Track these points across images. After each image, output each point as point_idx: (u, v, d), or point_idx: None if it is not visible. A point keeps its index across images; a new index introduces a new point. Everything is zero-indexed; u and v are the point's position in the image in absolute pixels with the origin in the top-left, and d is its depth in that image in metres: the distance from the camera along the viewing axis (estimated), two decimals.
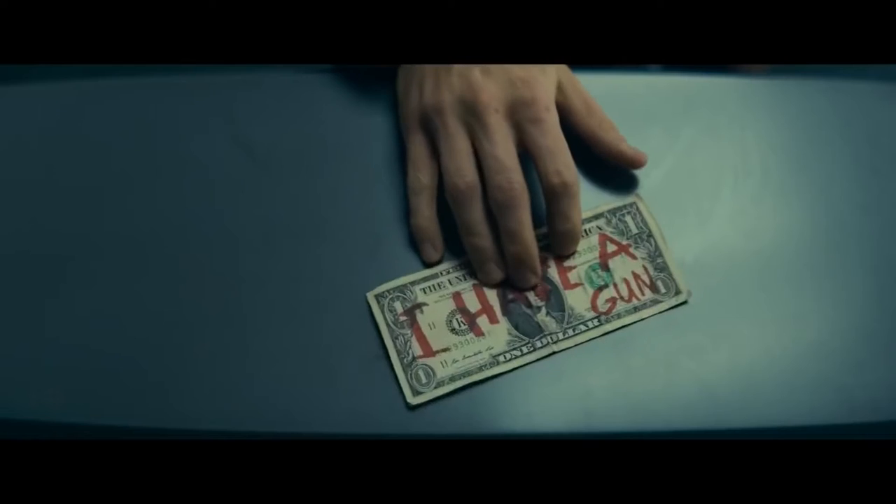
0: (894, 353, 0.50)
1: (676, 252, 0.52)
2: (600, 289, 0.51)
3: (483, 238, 0.50)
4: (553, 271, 0.51)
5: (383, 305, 0.50)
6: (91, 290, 0.50)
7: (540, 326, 0.50)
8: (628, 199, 0.53)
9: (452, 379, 0.48)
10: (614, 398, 0.48)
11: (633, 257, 0.51)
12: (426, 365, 0.49)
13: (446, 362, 0.49)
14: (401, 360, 0.49)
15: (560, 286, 0.51)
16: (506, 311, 0.50)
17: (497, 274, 0.50)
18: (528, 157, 0.50)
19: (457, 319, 0.50)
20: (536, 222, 0.51)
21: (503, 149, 0.49)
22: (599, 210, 0.53)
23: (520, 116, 0.50)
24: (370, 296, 0.50)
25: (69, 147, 0.54)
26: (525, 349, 0.49)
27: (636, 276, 0.51)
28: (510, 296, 0.51)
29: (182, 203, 0.52)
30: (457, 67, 0.50)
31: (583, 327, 0.50)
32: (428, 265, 0.51)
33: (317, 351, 0.49)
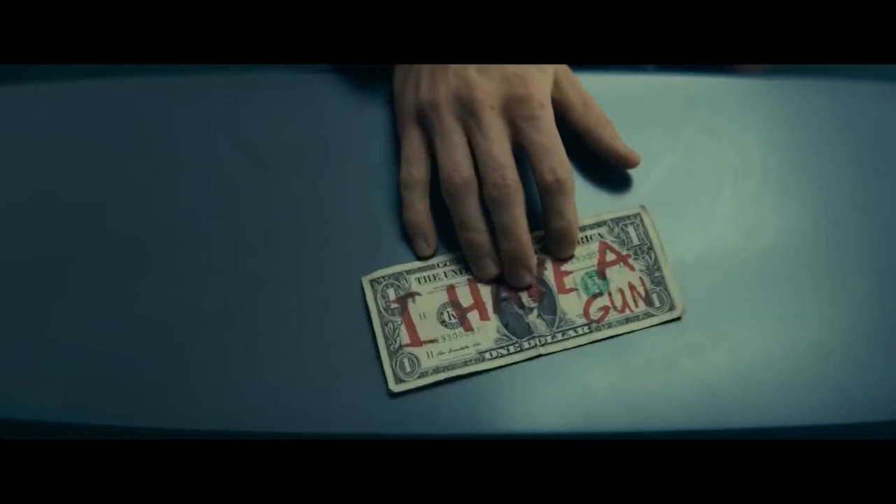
0: (894, 353, 0.50)
1: (676, 252, 0.52)
2: (595, 296, 0.51)
3: (478, 233, 0.50)
4: (549, 274, 0.51)
5: (377, 291, 0.50)
6: (91, 290, 0.50)
7: (530, 327, 0.50)
8: (633, 210, 0.53)
9: (436, 370, 0.48)
10: (614, 398, 0.48)
11: (632, 268, 0.51)
12: (412, 354, 0.49)
13: (432, 353, 0.49)
14: (387, 346, 0.49)
15: (554, 289, 0.51)
16: (497, 309, 0.50)
17: (492, 269, 0.51)
18: (523, 153, 0.50)
19: (448, 312, 0.50)
20: (536, 223, 0.51)
21: (498, 145, 0.49)
22: (603, 218, 0.52)
23: (515, 113, 0.50)
24: (365, 280, 0.50)
25: (69, 147, 0.54)
26: (512, 348, 0.49)
27: (632, 288, 0.51)
28: (503, 294, 0.51)
29: (182, 203, 0.52)
30: (453, 66, 0.51)
31: (572, 333, 0.50)
32: (421, 260, 0.51)
33: (317, 351, 0.49)
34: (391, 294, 0.50)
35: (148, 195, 0.53)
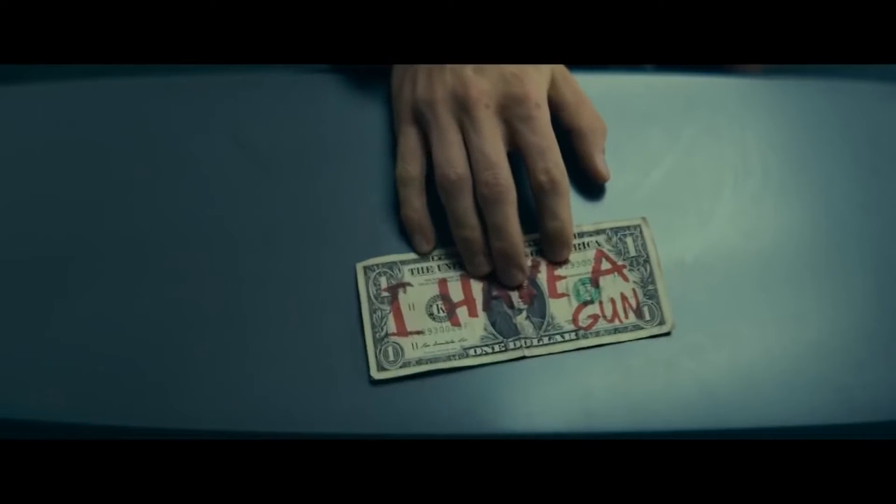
0: (894, 353, 0.50)
1: (676, 252, 0.52)
2: (585, 303, 0.50)
3: (472, 230, 0.50)
4: (542, 277, 0.51)
5: (369, 278, 0.50)
6: (91, 290, 0.50)
7: (517, 328, 0.50)
8: (634, 221, 0.52)
9: (419, 362, 0.49)
10: (614, 398, 0.49)
11: (626, 279, 0.51)
12: (397, 343, 0.49)
13: (416, 344, 0.49)
14: (374, 333, 0.49)
15: (546, 293, 0.51)
16: (487, 307, 0.50)
17: (485, 266, 0.51)
18: (518, 153, 0.50)
19: (437, 305, 0.50)
20: (532, 225, 0.51)
21: (491, 144, 0.49)
22: (602, 226, 0.52)
23: (511, 113, 0.50)
24: (359, 266, 0.50)
25: (69, 147, 0.54)
26: (497, 348, 0.49)
27: (624, 298, 0.51)
28: (494, 293, 0.51)
29: (182, 203, 0.52)
30: (450, 65, 0.51)
31: (559, 338, 0.50)
32: (421, 256, 0.51)
33: (317, 351, 0.49)
34: (383, 282, 0.50)
35: (148, 195, 0.53)
